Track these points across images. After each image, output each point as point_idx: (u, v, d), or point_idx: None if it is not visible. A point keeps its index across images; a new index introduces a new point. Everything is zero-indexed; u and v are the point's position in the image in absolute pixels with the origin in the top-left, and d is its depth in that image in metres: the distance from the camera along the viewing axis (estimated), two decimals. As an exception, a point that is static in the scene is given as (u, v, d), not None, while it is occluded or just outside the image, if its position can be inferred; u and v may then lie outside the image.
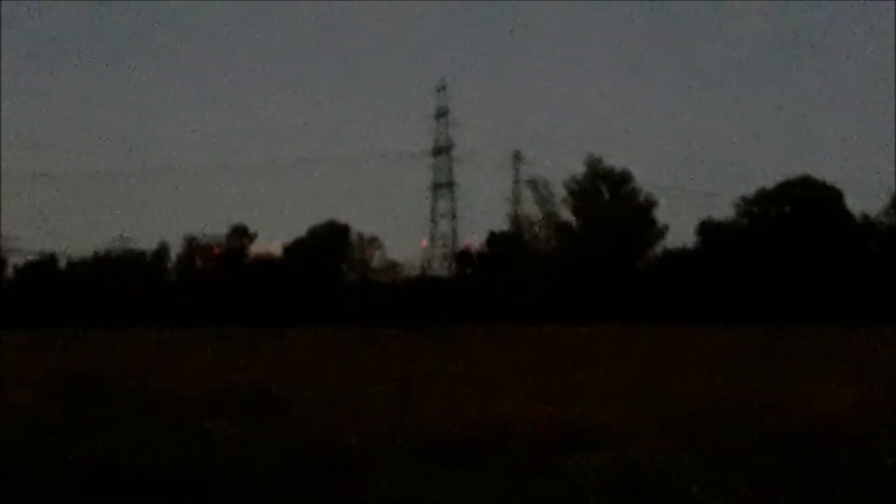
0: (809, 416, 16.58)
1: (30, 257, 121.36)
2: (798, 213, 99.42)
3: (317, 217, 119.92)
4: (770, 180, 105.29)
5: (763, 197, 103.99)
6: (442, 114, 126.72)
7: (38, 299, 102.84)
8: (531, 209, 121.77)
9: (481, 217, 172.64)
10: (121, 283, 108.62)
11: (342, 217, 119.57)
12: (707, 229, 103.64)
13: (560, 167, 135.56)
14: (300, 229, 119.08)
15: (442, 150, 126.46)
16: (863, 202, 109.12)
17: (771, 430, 15.26)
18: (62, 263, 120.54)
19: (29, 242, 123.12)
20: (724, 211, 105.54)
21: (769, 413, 17.27)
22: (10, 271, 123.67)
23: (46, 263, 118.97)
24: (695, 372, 27.18)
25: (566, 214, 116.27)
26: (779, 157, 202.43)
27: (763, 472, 12.63)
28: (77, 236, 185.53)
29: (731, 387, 22.22)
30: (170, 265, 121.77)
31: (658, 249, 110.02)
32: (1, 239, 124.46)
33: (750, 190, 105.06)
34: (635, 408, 18.54)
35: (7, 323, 79.83)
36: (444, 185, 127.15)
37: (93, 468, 12.98)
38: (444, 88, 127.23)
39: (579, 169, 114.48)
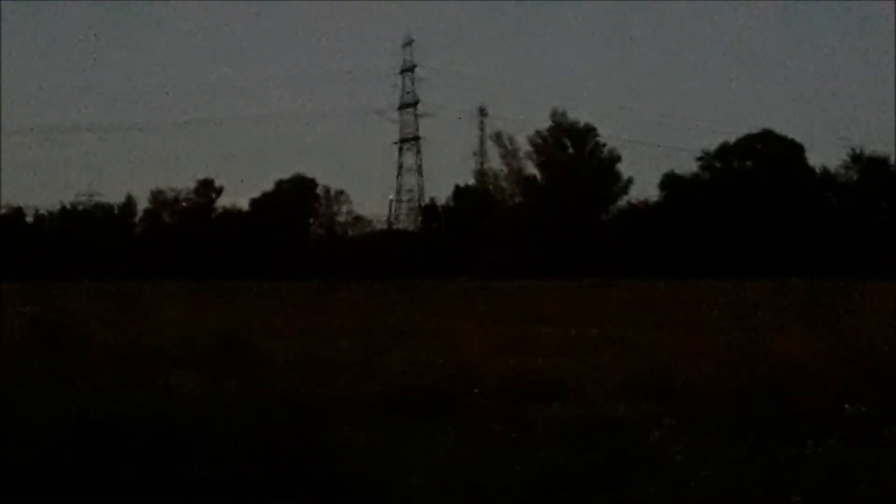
0: (775, 366, 16.84)
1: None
2: (759, 167, 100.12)
3: (284, 171, 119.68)
4: (732, 134, 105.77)
5: (725, 151, 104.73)
6: (408, 69, 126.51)
7: (5, 253, 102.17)
8: (496, 163, 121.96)
9: (447, 171, 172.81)
10: (88, 237, 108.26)
11: (309, 171, 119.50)
12: (670, 183, 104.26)
13: (525, 121, 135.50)
14: (267, 184, 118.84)
15: (408, 105, 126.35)
16: (823, 157, 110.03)
17: (736, 380, 15.48)
18: (29, 217, 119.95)
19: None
20: (687, 165, 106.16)
21: (734, 363, 17.51)
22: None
23: (13, 217, 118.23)
24: (660, 324, 27.48)
25: (531, 168, 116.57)
26: (740, 112, 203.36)
27: (726, 419, 12.85)
28: (44, 190, 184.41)
29: (696, 338, 22.45)
30: (137, 219, 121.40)
31: (622, 203, 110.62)
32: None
33: (712, 144, 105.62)
34: (601, 360, 18.77)
35: (-27, 274, 79.42)
36: (410, 140, 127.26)
37: (61, 420, 13.05)
38: (410, 43, 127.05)
39: (544, 123, 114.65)
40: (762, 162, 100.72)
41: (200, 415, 13.42)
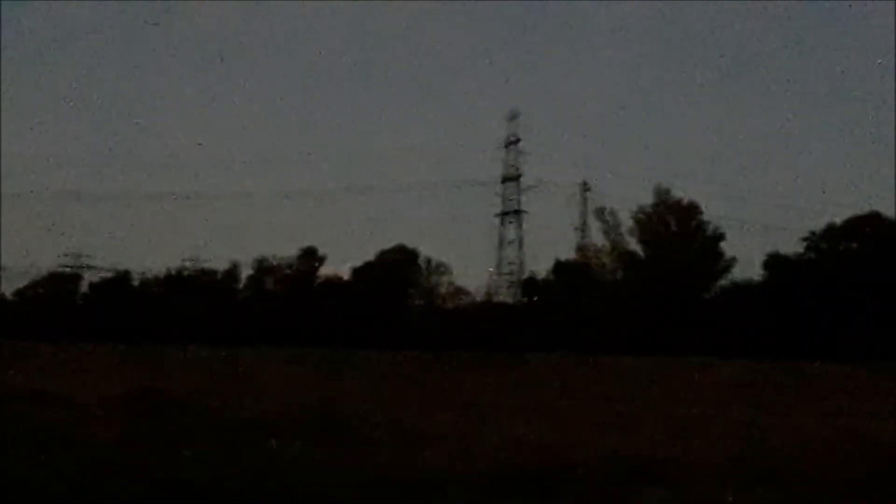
0: (887, 454, 16.40)
1: (104, 274, 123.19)
2: (866, 248, 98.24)
3: (386, 242, 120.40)
4: (838, 215, 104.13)
5: (831, 232, 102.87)
6: (512, 142, 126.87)
7: (111, 315, 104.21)
8: (598, 238, 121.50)
9: (548, 245, 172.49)
10: (192, 302, 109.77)
11: (411, 242, 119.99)
12: (774, 263, 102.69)
13: (627, 197, 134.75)
14: (369, 253, 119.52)
15: (511, 179, 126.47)
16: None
17: (848, 468, 15.07)
18: (135, 281, 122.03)
19: (103, 260, 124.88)
20: (791, 245, 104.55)
21: (846, 450, 17.05)
22: (84, 287, 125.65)
23: (120, 280, 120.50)
24: (766, 406, 26.94)
25: (633, 245, 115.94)
26: (848, 192, 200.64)
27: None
28: (150, 255, 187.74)
29: (805, 423, 21.99)
30: (240, 285, 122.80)
31: (725, 282, 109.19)
32: (76, 256, 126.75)
33: (818, 225, 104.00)
34: (706, 441, 18.39)
35: (80, 337, 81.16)
36: (512, 213, 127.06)
37: (165, 487, 13.08)
38: (515, 117, 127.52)
39: (647, 199, 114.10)
40: (869, 244, 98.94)
41: (302, 484, 13.37)
